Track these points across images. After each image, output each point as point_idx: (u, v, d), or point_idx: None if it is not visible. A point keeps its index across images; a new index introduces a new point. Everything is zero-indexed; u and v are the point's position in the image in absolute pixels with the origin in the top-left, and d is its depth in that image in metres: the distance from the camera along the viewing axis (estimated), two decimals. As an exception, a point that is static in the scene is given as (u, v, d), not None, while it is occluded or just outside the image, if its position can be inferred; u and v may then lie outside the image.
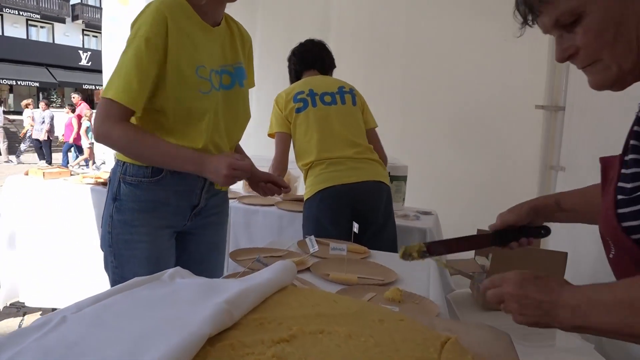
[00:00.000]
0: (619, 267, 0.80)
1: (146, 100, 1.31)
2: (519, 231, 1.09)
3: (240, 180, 1.31)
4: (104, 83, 3.61)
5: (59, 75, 24.80)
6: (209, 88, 1.36)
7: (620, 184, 0.75)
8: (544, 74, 3.17)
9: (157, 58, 1.28)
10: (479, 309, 2.39)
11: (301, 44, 2.35)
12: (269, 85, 3.90)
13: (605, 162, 0.87)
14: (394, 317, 0.85)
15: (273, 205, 2.55)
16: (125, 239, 1.39)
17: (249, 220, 2.49)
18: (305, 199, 2.14)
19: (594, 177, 2.74)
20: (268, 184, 1.58)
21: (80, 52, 26.37)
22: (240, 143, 1.69)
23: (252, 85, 1.64)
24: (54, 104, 23.87)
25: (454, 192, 3.32)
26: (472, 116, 3.37)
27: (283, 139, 2.20)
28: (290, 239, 1.74)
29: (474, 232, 2.75)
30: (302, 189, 3.10)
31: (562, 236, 2.91)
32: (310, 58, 2.31)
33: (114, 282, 1.42)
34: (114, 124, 1.27)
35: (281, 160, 2.20)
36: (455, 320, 1.33)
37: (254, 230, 2.47)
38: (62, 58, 25.11)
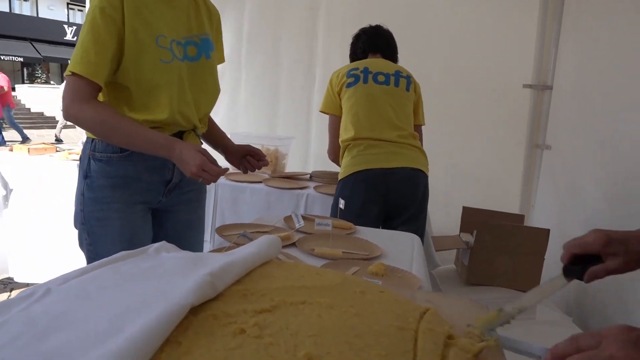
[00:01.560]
0: None
1: (110, 75, 1.29)
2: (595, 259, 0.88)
3: (206, 182, 1.27)
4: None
5: (43, 50, 24.26)
6: (170, 58, 1.34)
7: None
8: (532, 53, 3.18)
9: (114, 29, 1.26)
10: (463, 284, 2.44)
11: (373, 27, 2.31)
12: (257, 68, 3.88)
13: None
14: (376, 289, 0.87)
15: (261, 182, 2.55)
16: (98, 217, 1.38)
17: (236, 197, 2.50)
18: (339, 178, 2.11)
19: (579, 156, 2.78)
20: (248, 158, 1.58)
21: (66, 26, 25.76)
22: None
23: (222, 60, 1.62)
24: (39, 80, 23.42)
25: (442, 170, 3.35)
26: (460, 95, 3.37)
27: (332, 122, 2.20)
28: (278, 216, 1.76)
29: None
30: (290, 166, 3.12)
31: (547, 213, 2.97)
32: (381, 42, 2.27)
33: (88, 259, 1.41)
34: (83, 103, 1.26)
35: (334, 143, 2.21)
36: (436, 292, 1.36)
37: (241, 207, 2.48)
38: (46, 32, 24.53)
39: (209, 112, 1.54)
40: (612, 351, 0.49)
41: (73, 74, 1.26)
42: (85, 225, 1.39)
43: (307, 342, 0.62)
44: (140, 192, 1.41)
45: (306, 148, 3.79)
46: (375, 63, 2.18)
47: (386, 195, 2.01)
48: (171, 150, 1.27)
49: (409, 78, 2.18)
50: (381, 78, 2.11)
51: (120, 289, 0.74)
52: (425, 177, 2.12)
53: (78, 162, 1.46)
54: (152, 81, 1.32)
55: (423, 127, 2.32)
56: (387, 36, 2.29)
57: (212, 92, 1.51)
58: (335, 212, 2.00)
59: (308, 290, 0.80)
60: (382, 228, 2.04)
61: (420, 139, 2.29)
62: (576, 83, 2.77)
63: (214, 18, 1.54)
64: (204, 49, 1.45)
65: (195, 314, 0.66)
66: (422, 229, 2.12)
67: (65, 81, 1.31)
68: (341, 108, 2.14)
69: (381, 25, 2.32)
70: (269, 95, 3.85)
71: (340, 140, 2.14)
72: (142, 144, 1.29)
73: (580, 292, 2.30)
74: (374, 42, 2.26)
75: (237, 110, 3.92)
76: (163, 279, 0.78)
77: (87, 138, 1.40)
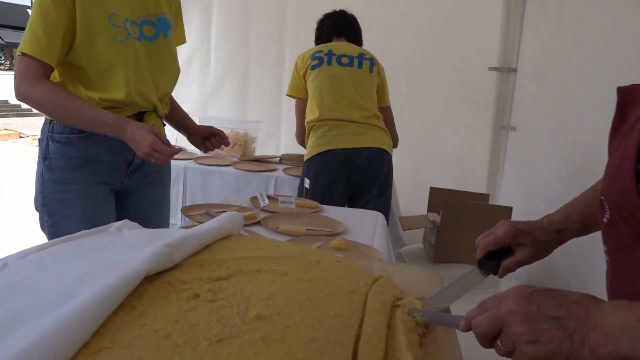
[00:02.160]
0: (611, 236, 0.68)
1: (63, 55, 1.28)
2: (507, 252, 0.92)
3: (158, 162, 1.26)
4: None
5: (6, 35, 23.42)
6: (124, 36, 1.33)
7: None
8: (498, 36, 3.24)
9: (64, 8, 1.24)
10: (430, 262, 2.51)
11: (337, 11, 2.33)
12: (226, 52, 3.84)
13: (629, 93, 0.67)
14: (332, 259, 0.90)
15: (230, 165, 2.56)
16: (58, 198, 1.38)
17: (205, 180, 2.50)
18: (305, 159, 2.15)
19: (541, 137, 2.85)
20: (211, 139, 1.59)
21: (29, 11, 24.86)
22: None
23: (183, 41, 1.61)
24: (3, 66, 22.65)
25: (410, 152, 3.40)
26: (428, 78, 3.42)
27: (298, 105, 2.23)
28: (246, 197, 1.77)
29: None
30: (262, 150, 3.13)
31: (512, 192, 3.06)
32: (345, 26, 2.30)
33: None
34: (32, 82, 1.24)
35: (300, 126, 2.24)
36: (393, 262, 1.40)
37: (210, 190, 2.48)
38: (9, 17, 23.68)
39: (170, 92, 1.53)
40: (510, 306, 0.55)
41: (23, 54, 1.24)
42: (46, 207, 1.38)
43: (258, 305, 0.65)
44: (101, 173, 1.40)
45: (278, 132, 3.80)
46: (339, 46, 2.20)
47: (351, 174, 2.06)
48: (122, 130, 1.26)
49: (372, 60, 2.21)
50: (345, 60, 2.14)
51: (78, 260, 0.75)
52: (389, 156, 2.17)
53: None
54: (107, 60, 1.31)
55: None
56: (351, 20, 2.32)
57: (171, 71, 1.50)
58: (301, 192, 2.03)
59: (264, 260, 0.82)
60: (348, 207, 2.08)
61: (391, 121, 2.33)
62: (539, 66, 2.84)
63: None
64: (161, 28, 1.44)
65: (151, 282, 0.68)
66: (387, 207, 2.17)
67: (16, 62, 1.30)
68: (307, 91, 2.17)
69: (345, 9, 2.34)
70: (239, 80, 3.84)
71: (305, 121, 2.17)
72: (92, 123, 1.28)
73: (544, 271, 2.39)
74: (338, 26, 2.28)
75: (207, 94, 3.89)
76: (121, 250, 0.79)
77: (45, 119, 1.38)
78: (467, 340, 0.80)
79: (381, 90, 2.27)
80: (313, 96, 2.12)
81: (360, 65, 2.16)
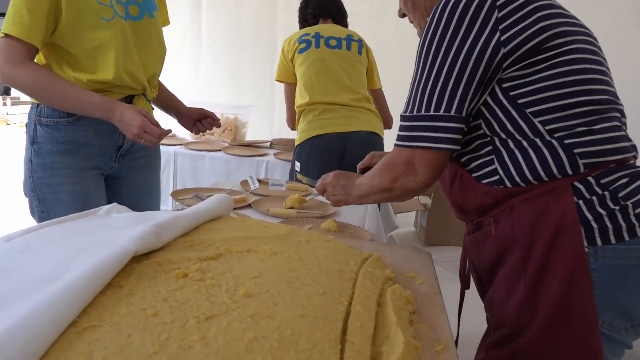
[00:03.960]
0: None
1: (48, 36, 1.25)
2: None
3: (148, 144, 1.25)
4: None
5: (-9, 22, 22.97)
6: (111, 15, 1.30)
7: None
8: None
9: None
10: (421, 244, 2.52)
11: None
12: (217, 36, 3.79)
13: None
14: (321, 239, 0.90)
15: (220, 150, 2.54)
16: (48, 182, 1.35)
17: (195, 165, 2.48)
18: (296, 144, 2.12)
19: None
20: (202, 121, 1.58)
21: (14, -4, 24.37)
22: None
23: (167, 22, 1.58)
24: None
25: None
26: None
27: (287, 89, 2.20)
28: (236, 181, 1.76)
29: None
30: (251, 135, 3.11)
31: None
32: (330, 6, 2.25)
33: None
34: (17, 64, 1.21)
35: (290, 111, 2.21)
36: (382, 242, 1.40)
37: (200, 175, 2.47)
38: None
39: (158, 73, 1.51)
40: (329, 181, 1.10)
41: (6, 35, 1.21)
42: (36, 192, 1.36)
43: (247, 283, 0.65)
44: (91, 157, 1.38)
45: (271, 116, 3.78)
46: (327, 28, 2.17)
47: (342, 158, 2.05)
48: (110, 111, 1.25)
49: (360, 42, 2.19)
50: (333, 42, 2.11)
51: (65, 241, 0.74)
52: (381, 139, 2.16)
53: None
54: (95, 40, 1.28)
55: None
56: (337, 0, 2.28)
57: (158, 52, 1.48)
58: (292, 176, 2.02)
59: (254, 240, 0.82)
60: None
61: (384, 102, 2.32)
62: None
63: None
64: (146, 7, 1.41)
65: (139, 262, 0.68)
66: None
67: None
68: (295, 75, 2.14)
69: None
70: (230, 64, 3.80)
71: (295, 106, 2.15)
72: (79, 104, 1.26)
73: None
74: (324, 7, 2.24)
75: (200, 79, 3.86)
76: (109, 231, 0.79)
77: (32, 103, 1.35)
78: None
79: (370, 72, 2.24)
80: (302, 80, 2.09)
81: (349, 47, 2.13)
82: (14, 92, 15.54)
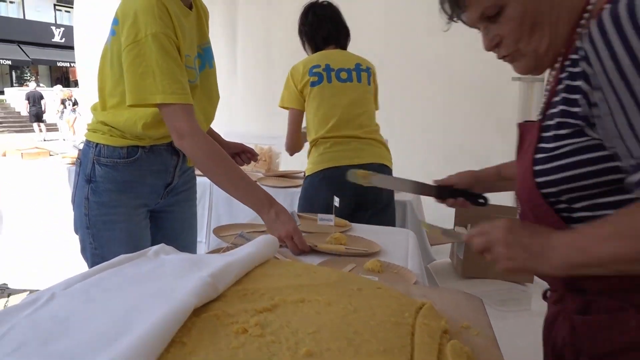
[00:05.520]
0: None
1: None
2: (459, 192, 1.22)
3: (294, 250, 1.28)
4: (77, 61, 3.56)
5: (31, 52, 24.08)
6: (194, 77, 1.36)
7: (540, 145, 0.78)
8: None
9: (176, 51, 1.25)
10: (458, 277, 2.47)
11: (331, 11, 2.22)
12: (251, 66, 3.88)
13: (523, 127, 0.90)
14: (372, 286, 0.89)
15: (255, 181, 2.56)
16: (104, 220, 1.39)
17: (231, 198, 2.50)
18: (306, 174, 2.14)
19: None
20: (241, 155, 1.61)
21: (53, 28, 25.57)
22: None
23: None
24: (28, 82, 23.24)
25: (434, 165, 3.38)
26: (451, 90, 3.41)
27: (295, 115, 2.19)
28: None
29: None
30: (284, 165, 3.13)
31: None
32: (341, 35, 2.22)
33: (93, 263, 1.41)
34: (200, 133, 1.27)
35: (293, 137, 2.21)
36: (431, 286, 1.38)
37: (235, 206, 2.49)
38: (34, 34, 24.35)
39: (213, 119, 1.56)
40: (497, 235, 0.79)
41: (175, 104, 1.24)
42: (91, 229, 1.39)
43: (307, 340, 0.64)
44: (143, 195, 1.43)
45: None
46: (336, 57, 2.15)
47: (353, 190, 2.05)
48: (267, 207, 1.30)
49: (368, 70, 2.19)
50: (344, 75, 2.12)
51: (123, 291, 0.75)
52: (390, 171, 2.17)
53: (76, 166, 1.45)
54: None
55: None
56: (344, 22, 2.24)
57: (216, 99, 1.53)
58: (304, 209, 2.04)
59: (306, 288, 0.82)
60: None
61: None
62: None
63: (207, 18, 1.53)
64: (207, 58, 1.46)
65: (198, 315, 0.68)
66: (392, 221, 2.17)
67: (165, 112, 1.26)
68: (303, 102, 2.14)
69: (324, 5, 2.23)
70: (264, 93, 3.87)
71: (308, 138, 2.17)
72: (245, 193, 1.33)
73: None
74: (337, 33, 2.20)
75: (233, 108, 3.94)
76: (164, 280, 0.80)
77: (89, 142, 1.39)
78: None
79: (375, 97, 2.26)
80: (315, 115, 2.11)
81: (359, 79, 2.14)
82: (47, 117, 16.28)
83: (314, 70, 2.12)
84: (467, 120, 3.44)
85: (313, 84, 2.11)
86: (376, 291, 0.86)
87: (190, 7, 1.39)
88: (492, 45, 0.82)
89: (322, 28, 2.19)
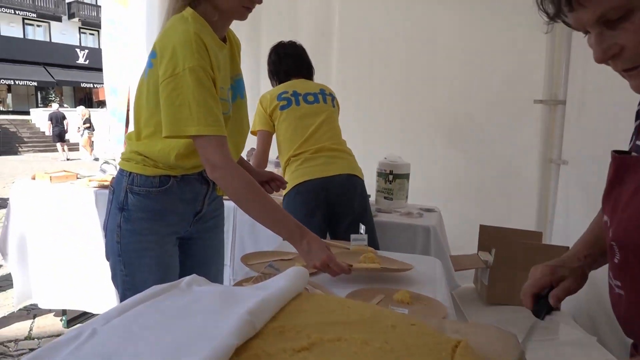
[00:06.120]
0: (625, 274, 0.80)
1: None
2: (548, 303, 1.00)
3: (331, 274, 1.31)
4: (105, 82, 3.65)
5: (56, 74, 24.78)
6: (228, 109, 1.39)
7: None
8: (542, 69, 3.21)
9: (212, 86, 1.28)
10: (483, 304, 2.44)
11: (293, 49, 2.44)
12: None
13: (627, 161, 0.80)
14: (406, 322, 0.89)
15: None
16: (136, 248, 1.42)
17: (254, 222, 2.52)
18: (283, 194, 2.23)
19: (596, 170, 2.79)
20: (270, 183, 1.64)
21: (78, 50, 26.33)
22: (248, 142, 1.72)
23: None
24: (53, 103, 23.89)
25: (456, 188, 3.36)
26: (472, 112, 3.41)
27: (265, 137, 2.34)
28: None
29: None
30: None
31: (565, 230, 2.97)
32: (303, 68, 2.43)
33: (124, 290, 1.44)
34: (233, 164, 1.30)
35: (262, 157, 2.35)
36: (463, 322, 1.37)
37: (259, 231, 2.51)
38: (59, 56, 25.08)
39: (243, 149, 1.59)
40: None
41: (210, 136, 1.26)
42: (122, 256, 1.42)
43: (347, 382, 0.64)
44: (173, 223, 1.45)
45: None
46: (301, 85, 2.35)
47: (326, 202, 2.15)
48: (299, 237, 1.32)
49: (332, 95, 2.38)
50: (310, 98, 2.28)
51: (164, 328, 0.77)
52: (361, 180, 2.27)
53: (109, 194, 1.48)
54: None
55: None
56: (307, 58, 2.46)
57: (246, 130, 1.56)
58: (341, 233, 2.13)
59: (342, 326, 0.82)
60: (329, 234, 2.21)
61: None
62: (591, 96, 2.78)
63: (239, 50, 1.56)
64: (239, 89, 1.49)
65: (238, 355, 0.69)
66: (371, 229, 2.19)
67: (199, 144, 1.28)
68: (272, 125, 2.30)
69: (295, 42, 2.46)
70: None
71: (281, 160, 2.31)
72: (278, 224, 1.34)
73: (603, 310, 2.28)
74: (298, 68, 2.41)
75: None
76: (203, 316, 0.81)
77: (123, 171, 1.42)
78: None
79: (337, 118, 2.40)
80: (285, 136, 2.25)
81: (325, 101, 2.31)
82: (70, 137, 16.66)
83: (283, 95, 2.28)
84: (490, 146, 3.42)
85: (282, 108, 2.26)
86: (410, 328, 0.86)
87: (225, 41, 1.43)
88: (608, 55, 0.68)
89: (283, 64, 2.42)
